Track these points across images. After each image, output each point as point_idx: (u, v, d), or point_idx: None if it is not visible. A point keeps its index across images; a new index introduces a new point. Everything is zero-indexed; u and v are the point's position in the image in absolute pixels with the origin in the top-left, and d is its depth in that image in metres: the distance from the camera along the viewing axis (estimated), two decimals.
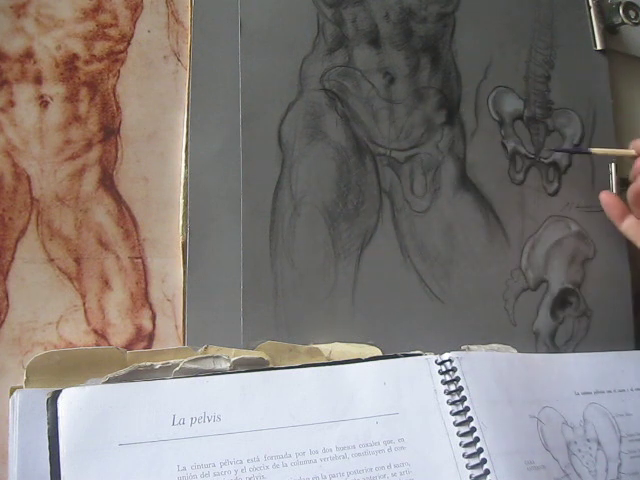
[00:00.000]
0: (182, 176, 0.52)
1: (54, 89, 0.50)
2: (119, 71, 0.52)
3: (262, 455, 0.45)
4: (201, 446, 0.44)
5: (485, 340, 0.58)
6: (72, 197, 0.50)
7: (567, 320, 0.63)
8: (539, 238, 0.64)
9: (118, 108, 0.52)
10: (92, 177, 0.50)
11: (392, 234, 0.58)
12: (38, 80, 0.50)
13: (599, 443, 0.54)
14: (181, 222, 0.52)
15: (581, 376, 0.56)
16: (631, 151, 0.47)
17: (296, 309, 0.53)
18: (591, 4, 0.70)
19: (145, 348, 0.50)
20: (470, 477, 0.47)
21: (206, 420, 0.45)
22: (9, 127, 0.49)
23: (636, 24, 0.71)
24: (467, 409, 0.50)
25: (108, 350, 0.47)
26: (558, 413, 0.54)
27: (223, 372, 0.48)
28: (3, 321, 0.47)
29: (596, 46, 0.69)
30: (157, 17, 0.54)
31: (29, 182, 0.49)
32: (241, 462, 0.44)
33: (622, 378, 0.57)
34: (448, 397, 0.51)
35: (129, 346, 0.49)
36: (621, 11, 0.70)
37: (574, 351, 0.62)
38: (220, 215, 0.53)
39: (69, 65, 0.51)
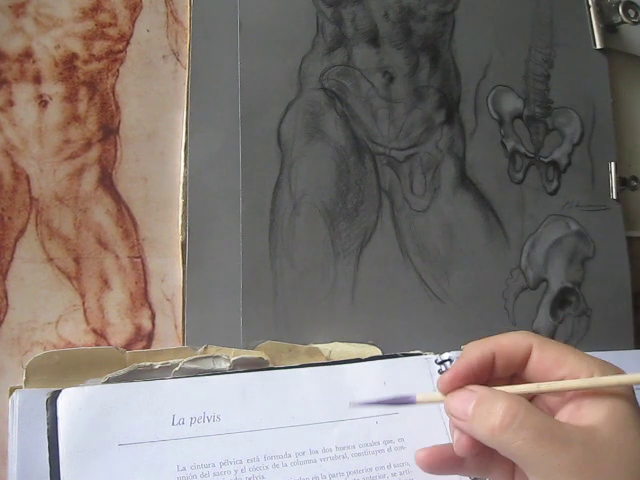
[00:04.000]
0: (181, 175, 0.52)
1: (53, 89, 0.50)
2: (118, 70, 0.52)
3: (262, 455, 0.45)
4: (201, 446, 0.44)
5: None
6: (71, 197, 0.50)
7: (567, 319, 0.63)
8: (539, 237, 0.64)
9: (117, 107, 0.52)
10: (91, 177, 0.50)
11: (392, 233, 0.58)
12: (37, 80, 0.50)
13: None
14: (180, 221, 0.52)
15: None
16: (437, 395, 0.42)
17: (296, 309, 0.53)
18: (591, 3, 0.70)
19: (144, 348, 0.49)
20: (470, 477, 0.47)
21: (206, 420, 0.45)
22: (8, 127, 0.49)
23: (636, 23, 0.71)
24: None
25: (107, 350, 0.47)
26: None
27: (223, 372, 0.48)
28: (2, 321, 0.47)
29: (596, 45, 0.69)
30: (156, 16, 0.54)
31: (28, 182, 0.49)
32: (241, 462, 0.44)
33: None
34: None
35: (128, 346, 0.49)
36: (621, 10, 0.70)
37: None
38: (220, 214, 0.53)
39: (68, 64, 0.51)
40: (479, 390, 0.39)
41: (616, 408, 0.37)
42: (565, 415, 0.39)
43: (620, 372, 0.39)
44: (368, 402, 0.44)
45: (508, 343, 0.41)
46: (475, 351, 0.41)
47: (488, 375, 0.41)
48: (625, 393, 0.38)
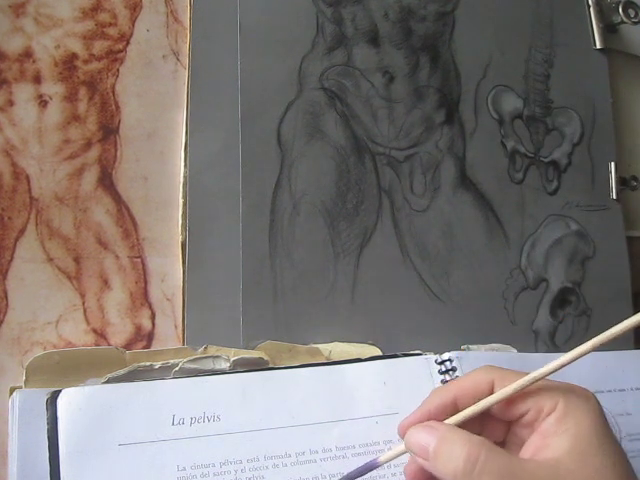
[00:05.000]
0: (181, 175, 0.52)
1: (53, 88, 0.50)
2: (118, 70, 0.52)
3: (262, 455, 0.45)
4: (201, 446, 0.44)
5: (485, 339, 0.58)
6: (71, 196, 0.50)
7: (567, 319, 0.63)
8: (539, 237, 0.64)
9: (117, 107, 0.52)
10: (91, 176, 0.50)
11: (391, 233, 0.58)
12: (37, 79, 0.50)
13: None
14: (180, 221, 0.52)
15: (581, 376, 0.56)
16: (399, 448, 0.44)
17: (296, 309, 0.53)
18: (590, 3, 0.70)
19: (144, 348, 0.49)
20: None
21: (206, 420, 0.45)
22: (8, 126, 0.49)
23: (636, 23, 0.71)
24: None
25: (107, 350, 0.47)
26: None
27: (223, 372, 0.48)
28: (2, 321, 0.47)
29: (596, 45, 0.69)
30: (156, 16, 0.54)
31: (28, 181, 0.49)
32: (241, 462, 0.44)
33: (622, 378, 0.57)
34: None
35: (128, 346, 0.49)
36: (621, 10, 0.70)
37: None
38: (219, 214, 0.53)
39: (68, 64, 0.51)
40: (439, 429, 0.40)
41: (580, 436, 0.38)
42: (532, 445, 0.39)
43: (587, 394, 0.40)
44: None
45: (469, 385, 0.42)
46: (435, 398, 0.42)
47: (451, 416, 0.41)
48: (590, 415, 0.38)
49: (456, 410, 0.42)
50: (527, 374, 0.40)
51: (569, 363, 0.40)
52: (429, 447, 0.39)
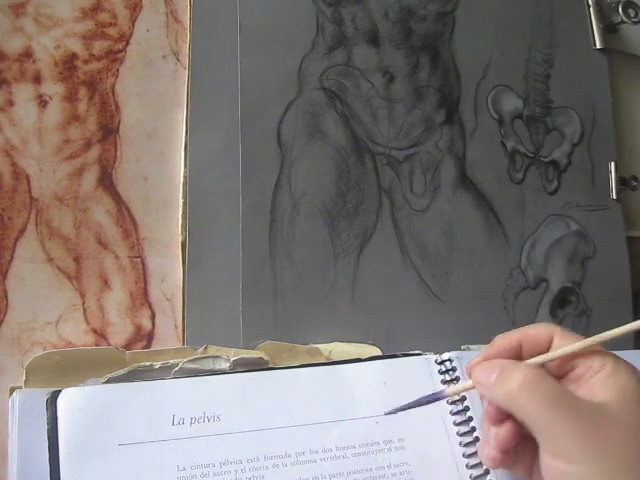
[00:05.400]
0: (181, 175, 0.52)
1: (53, 88, 0.50)
2: (118, 70, 0.52)
3: (262, 455, 0.45)
4: (201, 446, 0.44)
5: (485, 339, 0.58)
6: (71, 196, 0.50)
7: (567, 319, 0.63)
8: (539, 237, 0.64)
9: (117, 107, 0.52)
10: (91, 176, 0.50)
11: (391, 233, 0.58)
12: (37, 79, 0.50)
13: None
14: (180, 221, 0.52)
15: None
16: (467, 383, 0.46)
17: (296, 309, 0.53)
18: (590, 3, 0.70)
19: (144, 348, 0.49)
20: (470, 477, 0.47)
21: (206, 420, 0.45)
22: (8, 126, 0.49)
23: (635, 23, 0.71)
24: (467, 409, 0.49)
25: (107, 350, 0.47)
26: None
27: (223, 372, 0.48)
28: (2, 321, 0.47)
29: (596, 45, 0.69)
30: (156, 16, 0.54)
31: (28, 181, 0.49)
32: (241, 462, 0.44)
33: None
34: None
35: (128, 346, 0.49)
36: (620, 10, 0.70)
37: None
38: (219, 214, 0.53)
39: (68, 64, 0.51)
40: (502, 362, 0.42)
41: (627, 389, 0.40)
42: (580, 394, 0.41)
43: (632, 365, 0.42)
44: (401, 407, 0.47)
45: (533, 332, 0.44)
46: (503, 340, 0.44)
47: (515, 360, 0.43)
48: (636, 378, 0.40)
49: (517, 356, 0.43)
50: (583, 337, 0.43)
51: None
52: (492, 377, 0.41)
